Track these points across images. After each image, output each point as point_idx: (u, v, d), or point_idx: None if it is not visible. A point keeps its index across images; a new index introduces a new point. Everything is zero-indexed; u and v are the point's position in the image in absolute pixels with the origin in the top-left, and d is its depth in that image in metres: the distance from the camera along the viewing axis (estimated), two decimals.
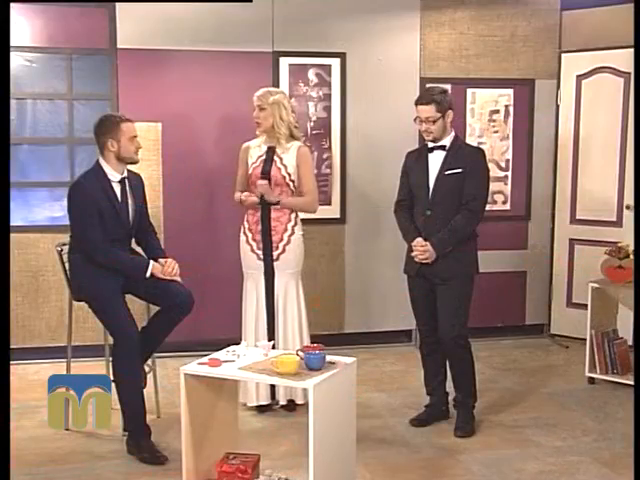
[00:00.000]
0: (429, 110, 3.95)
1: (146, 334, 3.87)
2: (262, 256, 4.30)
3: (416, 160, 4.12)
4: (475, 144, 5.68)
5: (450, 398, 4.25)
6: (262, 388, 4.30)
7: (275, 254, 4.28)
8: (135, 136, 3.88)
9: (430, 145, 4.05)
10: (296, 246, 4.34)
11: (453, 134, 4.06)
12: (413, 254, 4.01)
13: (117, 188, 3.88)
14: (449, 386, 4.23)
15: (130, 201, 3.92)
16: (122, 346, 3.76)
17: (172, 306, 3.87)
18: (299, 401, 4.35)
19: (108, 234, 3.81)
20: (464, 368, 4.11)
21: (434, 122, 3.96)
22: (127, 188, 3.91)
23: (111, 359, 3.90)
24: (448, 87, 5.51)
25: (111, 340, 4.45)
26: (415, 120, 4.05)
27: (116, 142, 3.81)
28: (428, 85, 4.15)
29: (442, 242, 3.96)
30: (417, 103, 4.03)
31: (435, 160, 4.03)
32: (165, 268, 3.87)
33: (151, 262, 3.88)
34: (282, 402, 4.36)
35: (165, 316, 3.90)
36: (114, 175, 3.86)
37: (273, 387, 4.31)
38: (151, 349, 4.01)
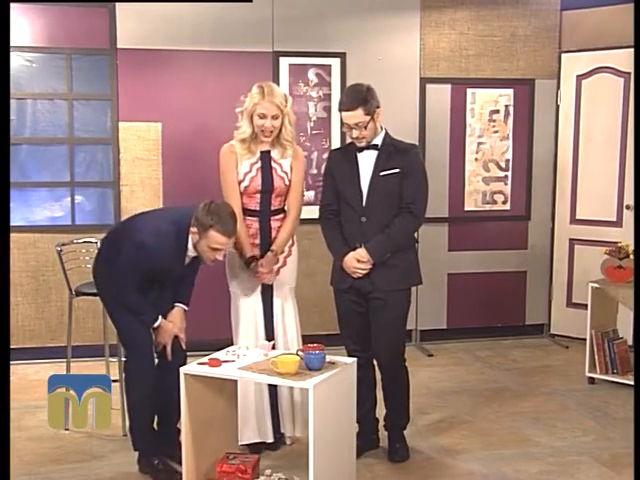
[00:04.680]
0: (357, 115, 3.45)
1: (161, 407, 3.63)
2: None
3: (343, 160, 3.65)
4: (475, 144, 5.73)
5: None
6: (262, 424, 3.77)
7: (275, 268, 3.77)
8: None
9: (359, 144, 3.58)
10: (295, 257, 3.90)
11: (384, 132, 3.63)
12: (348, 270, 3.57)
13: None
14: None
15: None
16: (133, 357, 3.55)
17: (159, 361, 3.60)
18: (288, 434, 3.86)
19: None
20: (400, 388, 3.76)
21: (365, 127, 3.50)
22: None
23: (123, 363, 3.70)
24: (448, 87, 5.69)
25: (111, 340, 4.45)
26: (342, 127, 3.58)
27: None
28: (350, 85, 3.57)
29: (379, 247, 3.52)
30: (341, 109, 3.51)
31: (366, 160, 3.58)
32: (163, 331, 3.54)
33: (160, 318, 3.53)
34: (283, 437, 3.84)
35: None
36: None
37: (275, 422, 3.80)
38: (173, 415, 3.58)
